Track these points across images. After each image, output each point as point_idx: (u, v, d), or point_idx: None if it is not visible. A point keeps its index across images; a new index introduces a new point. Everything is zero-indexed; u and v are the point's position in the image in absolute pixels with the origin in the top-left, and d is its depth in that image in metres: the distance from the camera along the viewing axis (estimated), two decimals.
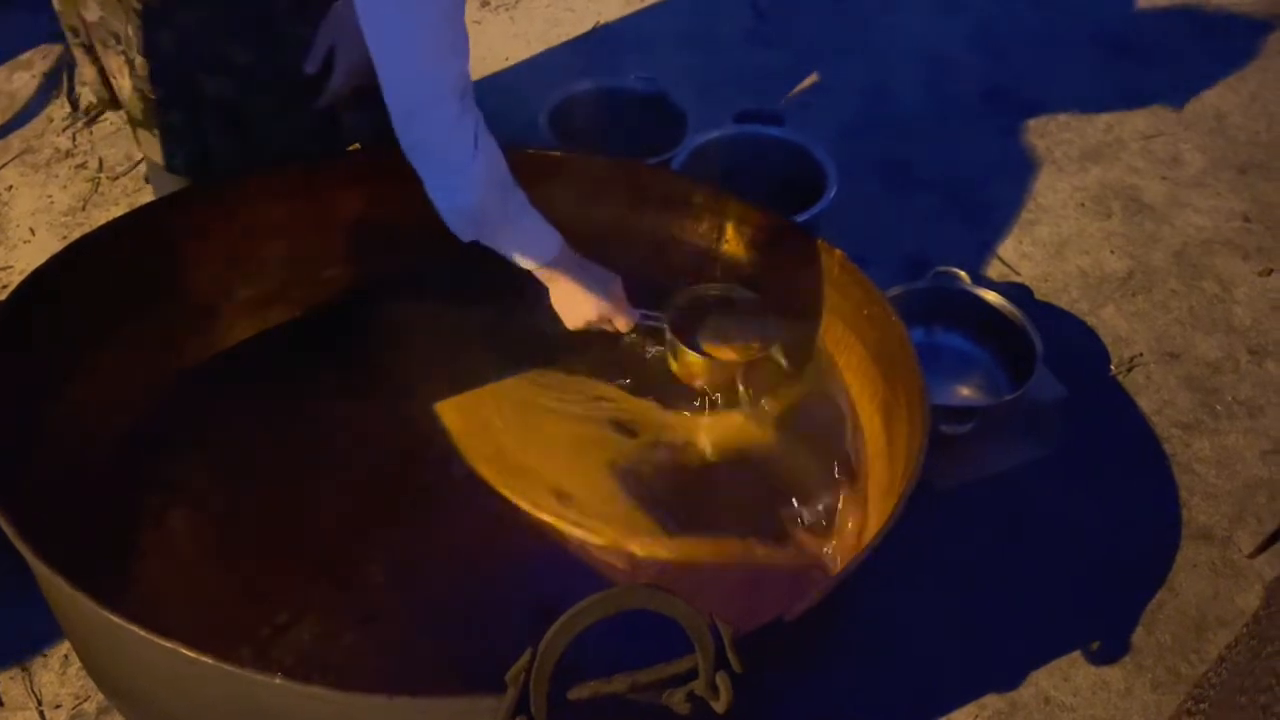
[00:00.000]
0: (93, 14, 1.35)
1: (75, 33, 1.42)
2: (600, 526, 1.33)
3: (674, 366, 1.44)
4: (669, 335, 1.41)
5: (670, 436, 1.45)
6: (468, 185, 1.14)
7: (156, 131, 1.42)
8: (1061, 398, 1.60)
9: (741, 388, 1.42)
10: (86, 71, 1.46)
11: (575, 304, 1.30)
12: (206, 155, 1.43)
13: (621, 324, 1.34)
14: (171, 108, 1.39)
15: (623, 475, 1.40)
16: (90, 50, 1.43)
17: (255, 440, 1.36)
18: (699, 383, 1.44)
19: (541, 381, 1.49)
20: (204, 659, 0.83)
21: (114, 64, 1.38)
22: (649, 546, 1.32)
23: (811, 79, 2.25)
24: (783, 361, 1.43)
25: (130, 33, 1.33)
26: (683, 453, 1.44)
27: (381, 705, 0.82)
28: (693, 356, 1.40)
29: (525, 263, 1.24)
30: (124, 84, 1.39)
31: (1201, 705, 1.03)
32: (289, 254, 1.45)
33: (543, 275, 1.27)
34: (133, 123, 1.44)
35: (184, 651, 0.84)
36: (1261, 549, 1.42)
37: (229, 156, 1.43)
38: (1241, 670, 0.93)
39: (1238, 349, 1.75)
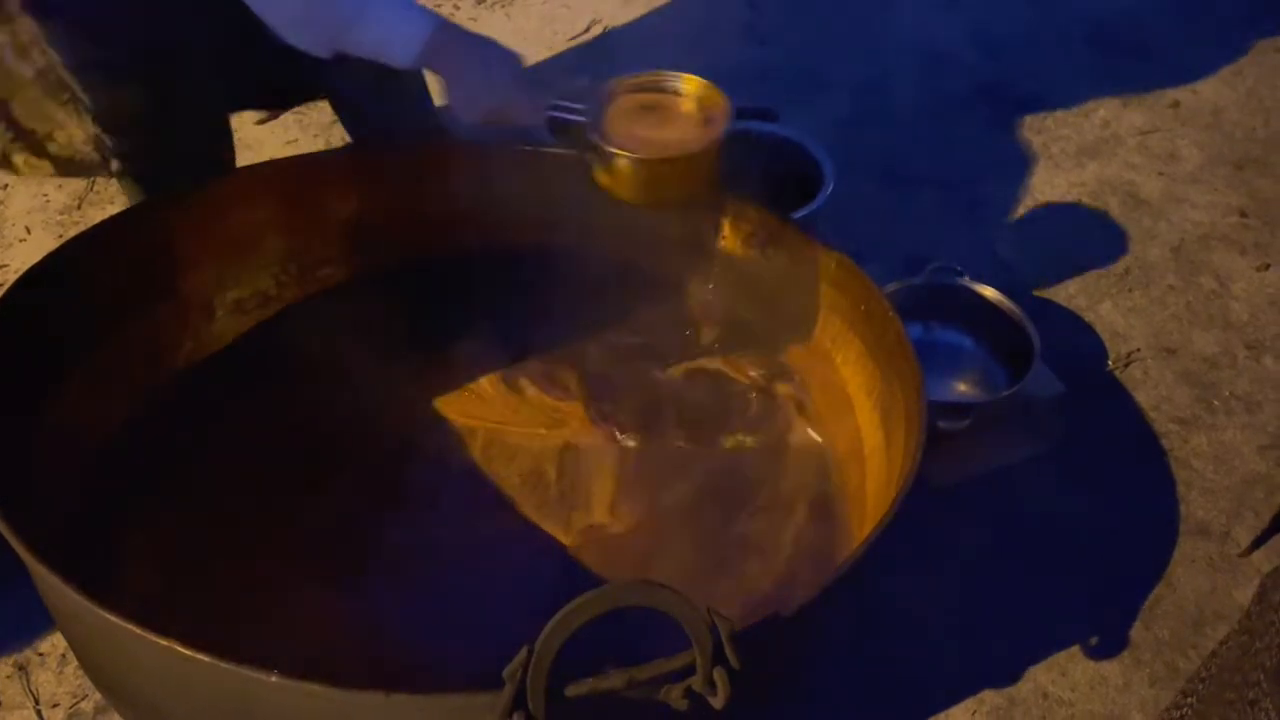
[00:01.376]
0: (29, 69, 1.33)
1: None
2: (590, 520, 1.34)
3: (598, 175, 1.23)
4: (589, 133, 1.18)
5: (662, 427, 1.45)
6: None
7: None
8: (1059, 394, 1.60)
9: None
10: (20, 160, 1.46)
11: (468, 90, 1.14)
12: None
13: (525, 112, 1.17)
14: (144, 157, 1.38)
15: (614, 467, 1.40)
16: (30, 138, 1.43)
17: (252, 439, 1.36)
18: (625, 193, 1.23)
19: (541, 375, 1.49)
20: (200, 657, 0.83)
21: (71, 120, 1.38)
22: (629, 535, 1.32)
23: (806, 75, 2.25)
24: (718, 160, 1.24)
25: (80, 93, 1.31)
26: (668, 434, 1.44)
27: (379, 702, 0.82)
28: (621, 158, 1.18)
29: (402, 58, 1.12)
30: (76, 134, 1.39)
31: (1190, 700, 1.03)
32: (284, 252, 1.45)
33: (431, 66, 1.14)
34: (118, 176, 1.43)
35: (180, 649, 0.83)
36: (1253, 547, 1.41)
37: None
38: (1231, 666, 0.93)
39: (1235, 344, 1.75)
